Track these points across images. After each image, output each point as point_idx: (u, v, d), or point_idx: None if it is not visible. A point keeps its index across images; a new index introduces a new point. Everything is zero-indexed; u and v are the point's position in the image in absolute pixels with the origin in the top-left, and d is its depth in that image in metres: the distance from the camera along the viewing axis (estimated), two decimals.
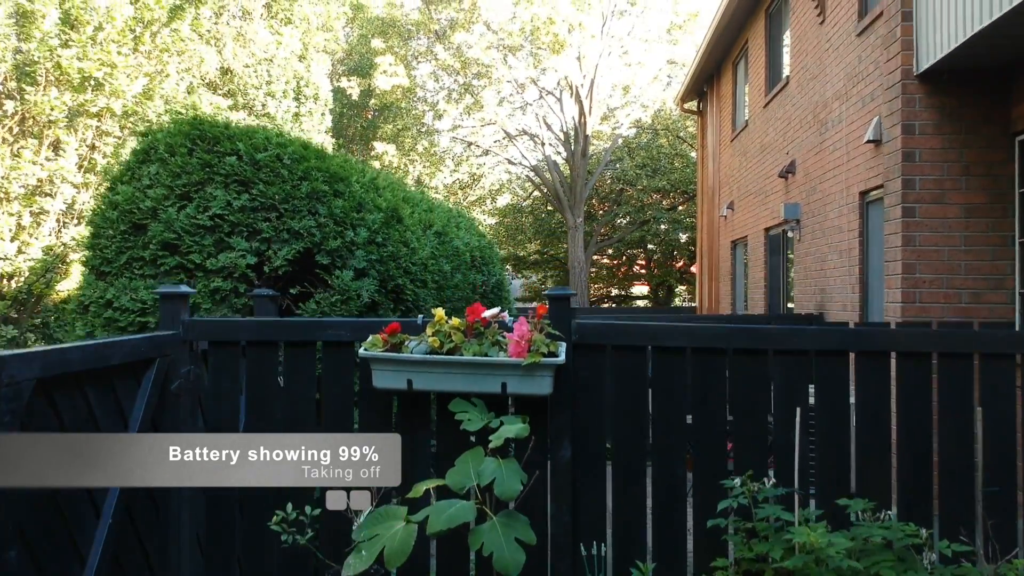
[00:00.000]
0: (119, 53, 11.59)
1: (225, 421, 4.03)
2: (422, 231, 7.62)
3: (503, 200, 32.65)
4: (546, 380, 3.67)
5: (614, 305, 37.28)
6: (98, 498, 3.33)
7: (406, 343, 3.79)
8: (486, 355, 3.69)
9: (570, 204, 25.89)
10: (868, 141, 7.99)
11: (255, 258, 5.62)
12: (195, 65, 14.27)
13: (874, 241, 8.44)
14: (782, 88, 12.36)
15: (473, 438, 3.70)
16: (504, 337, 3.76)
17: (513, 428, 3.46)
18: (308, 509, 3.56)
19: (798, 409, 3.71)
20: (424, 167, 28.29)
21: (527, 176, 28.98)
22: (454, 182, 30.89)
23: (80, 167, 12.44)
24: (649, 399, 3.93)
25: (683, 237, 28.82)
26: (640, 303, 37.89)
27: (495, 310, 3.83)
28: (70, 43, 11.24)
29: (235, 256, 5.56)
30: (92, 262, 5.68)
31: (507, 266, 34.14)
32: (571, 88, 24.83)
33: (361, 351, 3.75)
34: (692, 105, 20.77)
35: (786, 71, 12.48)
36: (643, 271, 33.81)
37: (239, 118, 17.56)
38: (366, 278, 5.98)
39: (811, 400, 3.84)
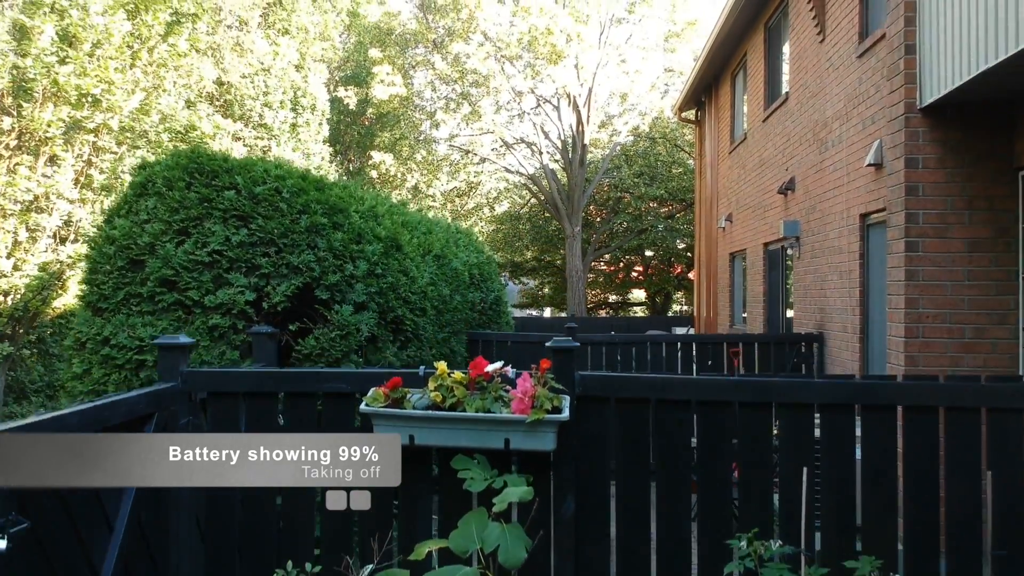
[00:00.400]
0: (116, 70, 11.54)
1: None
2: (421, 257, 7.59)
3: (501, 207, 32.60)
4: (550, 436, 3.63)
5: (612, 312, 37.28)
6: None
7: (408, 397, 3.75)
8: (489, 411, 3.65)
9: (568, 213, 25.85)
10: (869, 165, 7.96)
11: (254, 294, 5.58)
12: (194, 82, 14.22)
13: (875, 264, 8.41)
14: (781, 104, 12.32)
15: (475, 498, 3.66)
16: (507, 391, 3.71)
17: (517, 492, 3.41)
18: (308, 566, 3.52)
19: (804, 469, 3.67)
20: (422, 175, 28.25)
21: (524, 184, 28.93)
22: (452, 190, 30.84)
23: (76, 182, 12.38)
24: (652, 452, 3.89)
25: (681, 244, 28.79)
26: (637, 309, 37.89)
27: (498, 364, 3.78)
28: (67, 60, 11.19)
29: (233, 292, 5.52)
30: (89, 298, 5.63)
31: (505, 272, 34.14)
32: (568, 97, 24.80)
33: (362, 407, 3.70)
34: (690, 114, 20.74)
35: (785, 87, 12.45)
36: (641, 277, 33.77)
37: (236, 129, 17.53)
38: (365, 311, 5.94)
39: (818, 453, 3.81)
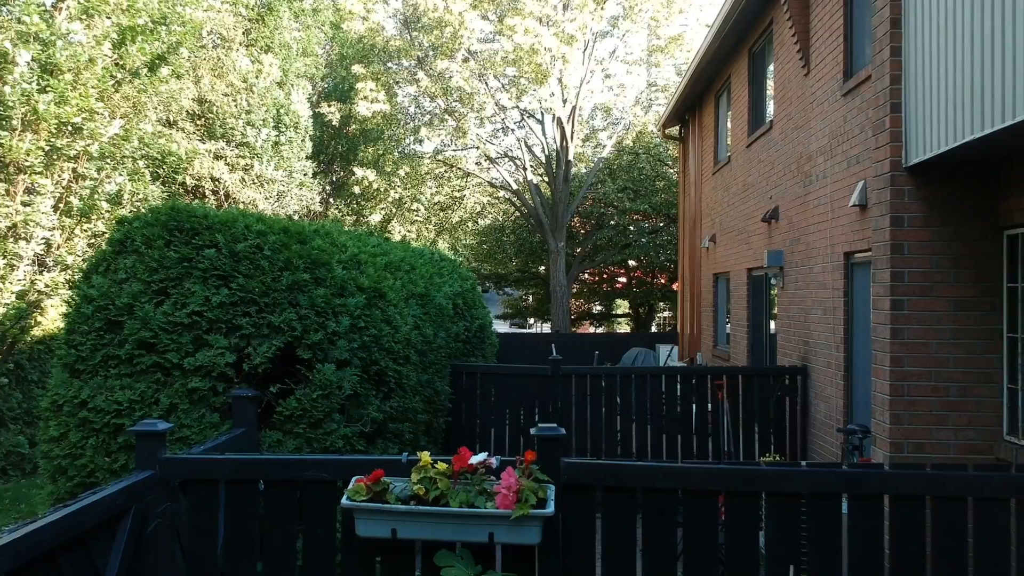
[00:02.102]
0: (98, 99, 11.41)
1: (204, 557, 3.91)
2: (404, 301, 7.52)
3: (485, 221, 32.53)
4: (535, 530, 3.58)
5: (596, 324, 37.29)
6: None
7: (390, 488, 3.69)
8: (473, 504, 3.60)
9: (552, 228, 25.81)
10: (854, 205, 7.96)
11: (234, 355, 5.51)
12: (175, 110, 14.09)
13: (860, 302, 8.41)
14: (765, 132, 12.32)
15: None
16: (492, 482, 3.66)
17: None
18: None
19: (791, 567, 3.64)
20: (405, 189, 28.13)
21: (508, 199, 28.88)
22: (435, 204, 30.74)
23: (56, 209, 12.24)
24: (639, 542, 3.85)
25: (663, 257, 28.80)
26: (621, 320, 37.91)
27: (482, 456, 3.73)
28: (48, 88, 11.05)
29: (213, 354, 5.44)
30: (66, 359, 5.54)
31: (488, 284, 34.06)
32: (553, 113, 24.76)
33: (344, 502, 3.64)
34: (674, 131, 20.74)
35: (770, 115, 12.45)
36: (624, 289, 33.79)
37: (217, 148, 17.39)
38: (348, 368, 5.87)
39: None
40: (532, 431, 3.85)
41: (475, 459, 3.72)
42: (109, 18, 11.82)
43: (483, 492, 3.64)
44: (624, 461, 4.24)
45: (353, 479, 3.74)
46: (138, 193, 12.71)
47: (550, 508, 3.56)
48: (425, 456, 3.74)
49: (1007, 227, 5.76)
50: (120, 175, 12.43)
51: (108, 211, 12.39)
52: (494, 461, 3.75)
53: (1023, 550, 3.64)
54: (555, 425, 3.86)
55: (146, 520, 3.75)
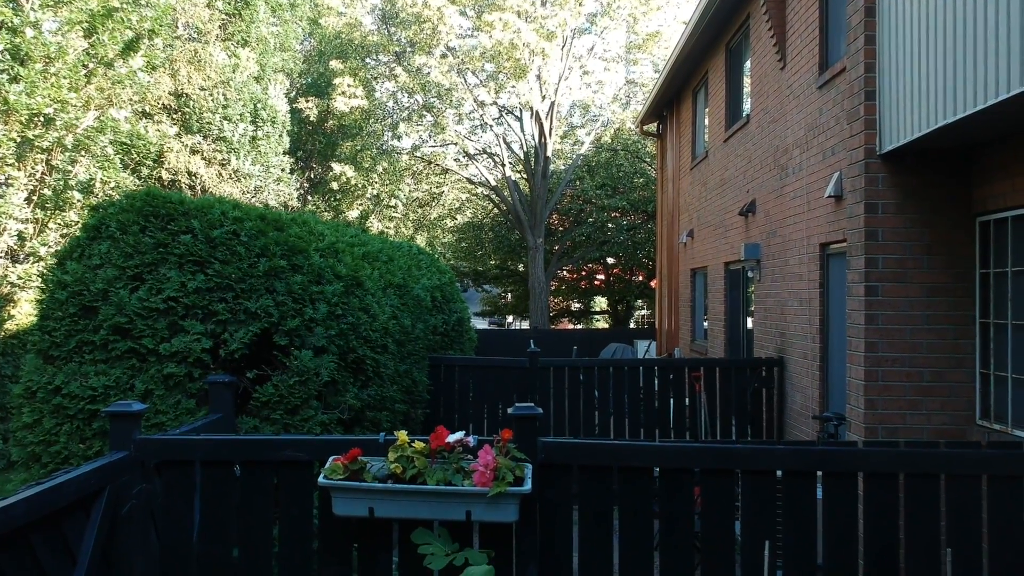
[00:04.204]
0: (70, 88, 11.29)
1: (179, 540, 3.89)
2: (383, 291, 7.50)
3: (463, 218, 32.50)
4: (512, 507, 3.59)
5: (574, 321, 37.33)
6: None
7: (367, 467, 3.68)
8: (450, 482, 3.60)
9: (531, 224, 25.82)
10: (830, 196, 8.02)
11: (210, 341, 5.47)
12: (152, 98, 13.97)
13: (835, 293, 8.47)
14: (742, 126, 12.39)
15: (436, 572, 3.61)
16: (469, 461, 3.66)
17: (478, 572, 3.36)
18: None
19: (767, 542, 3.66)
20: (383, 185, 28.05)
21: (487, 196, 28.87)
22: (414, 200, 30.68)
23: (29, 201, 12.11)
24: (616, 520, 3.86)
25: (641, 254, 28.87)
26: (599, 318, 37.98)
27: (459, 435, 3.73)
28: (19, 78, 10.93)
29: (189, 340, 5.41)
30: (40, 345, 5.48)
31: (467, 281, 34.04)
32: (531, 110, 24.77)
33: (321, 479, 3.63)
34: (652, 128, 20.80)
35: (747, 109, 12.52)
36: (603, 286, 33.86)
37: (194, 142, 17.28)
38: (325, 355, 5.84)
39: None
40: (509, 410, 3.85)
41: (452, 438, 3.72)
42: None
43: (460, 470, 3.64)
44: (601, 439, 4.25)
45: (330, 459, 3.73)
46: (109, 182, 12.58)
47: (527, 486, 3.56)
48: (402, 435, 3.74)
49: (979, 214, 5.83)
50: (89, 161, 12.28)
51: (80, 201, 12.27)
52: (471, 440, 3.75)
53: (994, 525, 3.69)
54: (532, 404, 3.87)
55: (121, 501, 3.72)
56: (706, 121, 15.56)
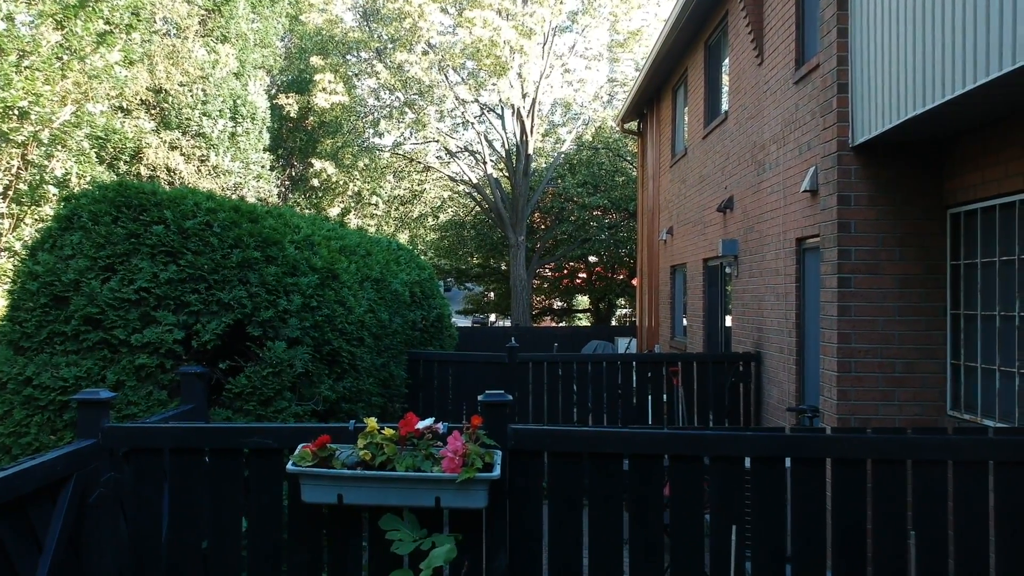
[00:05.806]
0: (46, 82, 11.21)
1: (149, 528, 3.87)
2: (359, 284, 7.49)
3: (445, 216, 32.47)
4: (481, 494, 3.59)
5: (556, 319, 37.39)
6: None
7: (336, 454, 3.68)
8: (419, 469, 3.60)
9: (512, 222, 25.84)
10: (805, 191, 8.06)
11: (183, 332, 5.44)
12: (127, 89, 13.87)
13: (811, 287, 8.52)
14: (721, 123, 12.45)
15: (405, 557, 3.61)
16: (438, 448, 3.66)
17: (441, 553, 3.37)
18: None
19: (734, 527, 3.68)
20: (364, 183, 27.98)
21: (469, 193, 28.85)
22: (395, 198, 30.62)
23: (4, 196, 12.02)
24: (586, 506, 3.87)
25: (623, 252, 28.95)
26: (582, 316, 38.05)
27: (428, 421, 3.73)
28: None
29: (161, 331, 5.38)
30: (11, 336, 5.44)
31: (449, 279, 34.01)
32: (512, 107, 24.79)
33: (289, 466, 3.62)
34: (632, 126, 20.85)
35: (725, 106, 12.58)
36: (585, 285, 33.92)
37: (173, 138, 17.18)
38: (300, 346, 5.83)
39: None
40: (480, 397, 3.86)
41: (422, 424, 3.72)
42: None
43: (430, 457, 3.64)
44: (571, 427, 4.26)
45: (299, 446, 3.72)
46: (85, 176, 12.50)
47: (496, 472, 3.57)
48: (372, 422, 3.73)
49: (950, 206, 5.88)
50: (65, 156, 12.19)
51: (55, 195, 12.18)
52: (441, 427, 3.75)
53: (959, 510, 3.72)
54: (502, 392, 3.87)
55: (88, 489, 3.70)
56: (686, 118, 15.62)
